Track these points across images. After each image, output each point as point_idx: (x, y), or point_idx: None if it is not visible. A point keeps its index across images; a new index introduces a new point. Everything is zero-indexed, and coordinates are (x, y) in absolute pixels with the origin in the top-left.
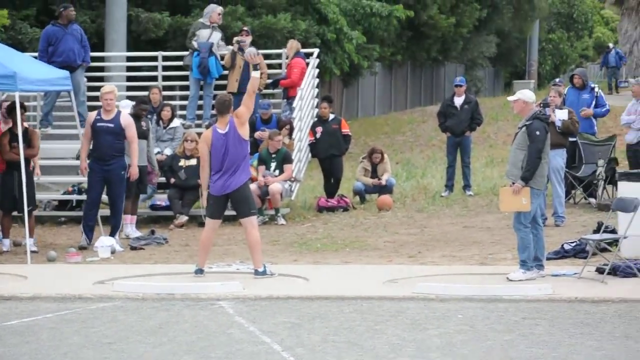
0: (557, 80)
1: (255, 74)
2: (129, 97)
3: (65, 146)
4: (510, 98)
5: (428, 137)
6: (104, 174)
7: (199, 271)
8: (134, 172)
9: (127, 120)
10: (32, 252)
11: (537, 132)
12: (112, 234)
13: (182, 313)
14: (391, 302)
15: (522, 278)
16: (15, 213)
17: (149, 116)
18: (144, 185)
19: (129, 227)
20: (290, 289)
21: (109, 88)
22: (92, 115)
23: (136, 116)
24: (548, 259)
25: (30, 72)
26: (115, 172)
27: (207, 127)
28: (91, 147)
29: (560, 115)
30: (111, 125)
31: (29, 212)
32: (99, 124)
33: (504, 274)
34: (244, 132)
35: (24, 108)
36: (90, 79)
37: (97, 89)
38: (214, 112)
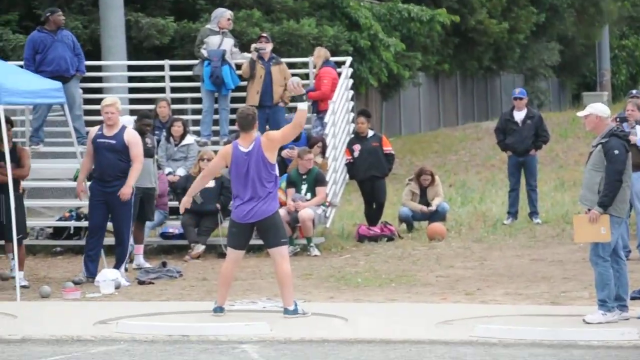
0: (635, 91)
1: (302, 106)
2: (133, 112)
3: (60, 165)
4: (580, 113)
5: (485, 157)
6: (106, 197)
7: (219, 309)
8: (124, 191)
9: (132, 137)
10: (22, 287)
11: (616, 151)
12: (117, 266)
13: (198, 358)
14: (445, 347)
15: (601, 320)
16: (1, 242)
17: (157, 132)
18: (150, 210)
19: (140, 257)
20: (326, 330)
21: (111, 100)
22: (94, 130)
23: (139, 132)
24: (632, 298)
25: (17, 82)
26: (119, 196)
27: (225, 144)
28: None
29: None
30: (113, 141)
31: (19, 241)
32: (99, 140)
33: (580, 315)
34: (271, 156)
35: (10, 123)
36: (86, 90)
37: (95, 101)
38: (232, 127)
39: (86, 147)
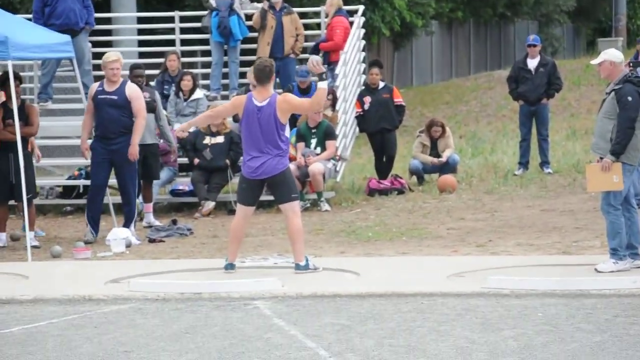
0: None
1: (322, 85)
2: (144, 65)
3: (69, 123)
4: (594, 61)
5: (497, 107)
6: (110, 155)
7: (230, 266)
8: (132, 152)
9: (133, 91)
10: (33, 247)
11: (629, 98)
12: (126, 225)
13: (211, 315)
14: (457, 299)
15: (613, 269)
16: (12, 202)
17: (166, 87)
18: (154, 168)
19: (150, 215)
20: (337, 285)
21: (114, 55)
22: (94, 86)
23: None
24: None
25: (25, 36)
26: (123, 152)
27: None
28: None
29: None
30: (115, 97)
31: (29, 201)
32: (100, 96)
33: (592, 264)
34: (283, 117)
35: (18, 79)
36: (95, 44)
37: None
38: (242, 80)
39: (87, 104)
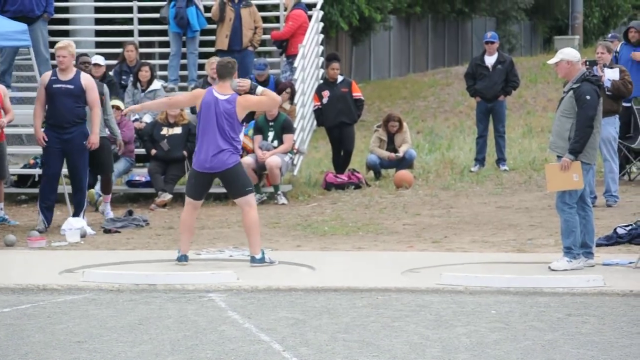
0: (610, 35)
1: (258, 91)
2: (101, 55)
3: (25, 112)
4: (551, 61)
5: (454, 103)
6: (63, 145)
7: (183, 258)
8: (94, 141)
9: (89, 81)
10: None
11: (588, 97)
12: (77, 214)
13: (165, 307)
14: (412, 295)
15: (567, 268)
16: None
17: (124, 77)
18: (107, 161)
19: (107, 205)
20: (293, 279)
21: (63, 43)
22: (47, 75)
23: None
24: (598, 245)
25: None
26: (76, 142)
27: (193, 90)
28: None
29: (610, 75)
30: (70, 86)
31: None
32: (55, 86)
33: (546, 262)
34: (240, 113)
35: None
36: (52, 33)
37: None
38: (200, 72)
39: (37, 93)
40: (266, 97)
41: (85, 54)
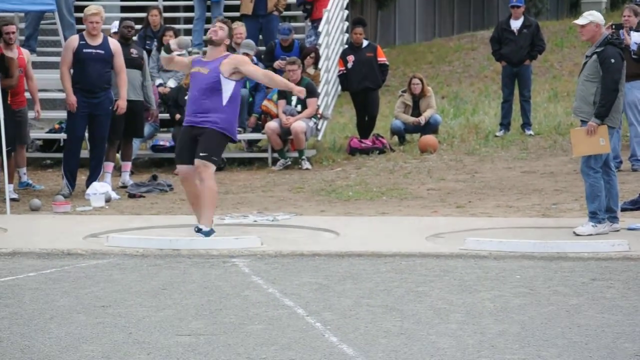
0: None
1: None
2: (125, 20)
3: (50, 76)
4: (579, 21)
5: (479, 67)
6: (90, 109)
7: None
8: (122, 105)
9: (117, 47)
10: (12, 200)
11: (612, 60)
12: (93, 179)
13: (189, 272)
14: (436, 260)
15: (591, 232)
16: None
17: (148, 42)
18: (139, 127)
19: (126, 175)
20: (316, 244)
21: (95, 8)
22: (74, 39)
23: (123, 37)
24: (623, 209)
25: None
26: (104, 107)
27: None
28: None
29: (636, 38)
30: (101, 51)
31: (8, 153)
32: (86, 50)
33: (571, 227)
34: (226, 72)
35: None
36: None
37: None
38: None
39: (64, 57)
40: (263, 73)
41: (129, 19)
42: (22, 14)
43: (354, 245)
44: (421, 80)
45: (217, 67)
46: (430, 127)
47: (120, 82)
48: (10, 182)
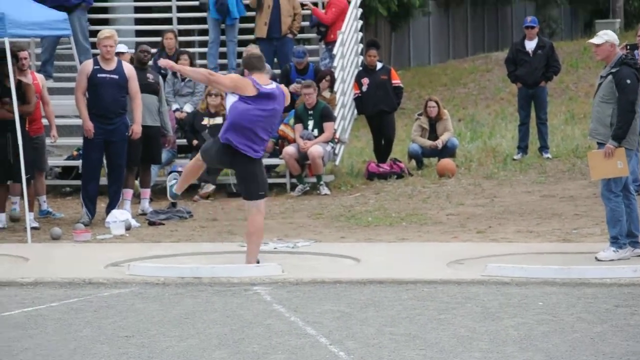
0: None
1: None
2: (139, 45)
3: (67, 102)
4: (594, 41)
5: (495, 89)
6: (106, 136)
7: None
8: (137, 130)
9: (131, 71)
10: (32, 228)
11: (628, 81)
12: (112, 206)
13: (211, 300)
14: (458, 286)
15: (613, 258)
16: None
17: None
18: (157, 153)
19: (145, 202)
20: (337, 271)
21: (108, 32)
22: (89, 64)
23: (139, 62)
24: None
25: (21, 13)
26: (120, 133)
27: None
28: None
29: None
30: (115, 76)
31: (28, 181)
32: (100, 75)
33: (592, 252)
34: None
35: (15, 57)
36: (92, 22)
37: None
38: (240, 60)
39: (78, 82)
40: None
41: (145, 44)
42: (38, 40)
43: (375, 272)
44: (437, 103)
45: None
46: (447, 151)
47: (135, 107)
48: (30, 210)
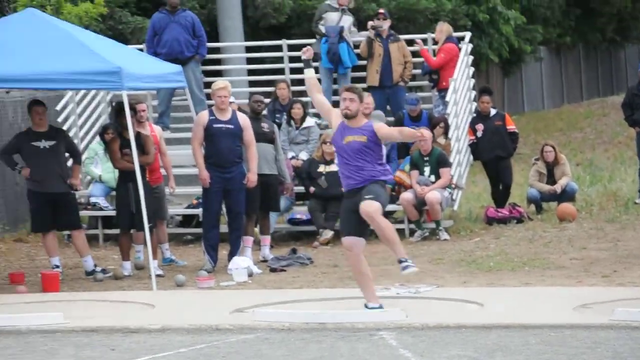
0: None
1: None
2: (254, 94)
3: (184, 152)
4: None
5: (612, 133)
6: (224, 184)
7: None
8: (253, 179)
9: (245, 121)
10: (157, 276)
11: None
12: (233, 253)
13: (336, 346)
14: (586, 331)
15: None
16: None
17: (278, 115)
18: (275, 200)
19: (266, 248)
20: (462, 316)
21: (222, 83)
22: (204, 115)
23: (253, 112)
24: None
25: (137, 67)
26: (237, 181)
27: None
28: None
29: None
30: (231, 126)
31: (150, 229)
32: (216, 125)
33: None
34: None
35: (133, 110)
36: (205, 73)
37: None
38: None
39: (194, 133)
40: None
41: (257, 93)
42: (154, 92)
43: (500, 317)
44: (553, 147)
45: (371, 131)
46: (566, 195)
47: (250, 156)
48: (154, 258)
